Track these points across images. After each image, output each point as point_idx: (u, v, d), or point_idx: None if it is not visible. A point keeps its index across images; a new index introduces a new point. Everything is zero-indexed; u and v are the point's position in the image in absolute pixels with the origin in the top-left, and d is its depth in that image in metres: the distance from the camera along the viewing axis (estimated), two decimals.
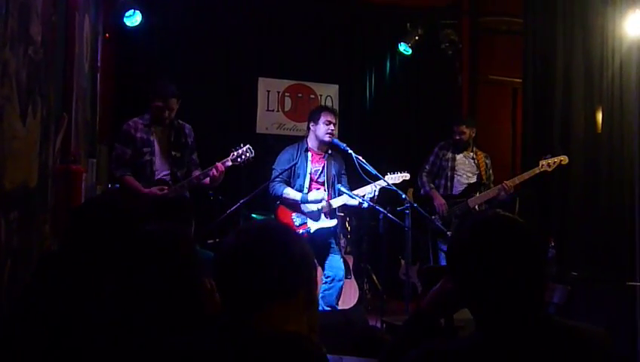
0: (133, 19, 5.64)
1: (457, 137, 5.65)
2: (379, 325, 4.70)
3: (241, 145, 4.47)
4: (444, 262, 5.18)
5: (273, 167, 4.93)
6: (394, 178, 4.95)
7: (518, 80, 6.80)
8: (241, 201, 4.56)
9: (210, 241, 5.24)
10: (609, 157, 5.31)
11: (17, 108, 2.61)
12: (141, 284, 1.73)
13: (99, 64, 5.12)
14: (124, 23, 5.68)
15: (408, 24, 7.05)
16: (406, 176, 5.02)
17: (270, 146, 5.68)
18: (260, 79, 6.96)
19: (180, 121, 4.59)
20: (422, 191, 5.50)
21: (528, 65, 6.13)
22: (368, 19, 7.38)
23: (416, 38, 6.95)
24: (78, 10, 4.01)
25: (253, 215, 5.43)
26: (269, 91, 7.01)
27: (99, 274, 1.92)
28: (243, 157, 4.44)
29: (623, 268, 4.79)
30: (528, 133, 6.12)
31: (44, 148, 3.12)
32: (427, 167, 5.65)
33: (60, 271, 1.96)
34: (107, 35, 5.54)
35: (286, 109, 7.07)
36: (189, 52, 6.53)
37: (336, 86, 7.24)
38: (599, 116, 5.45)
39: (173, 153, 4.48)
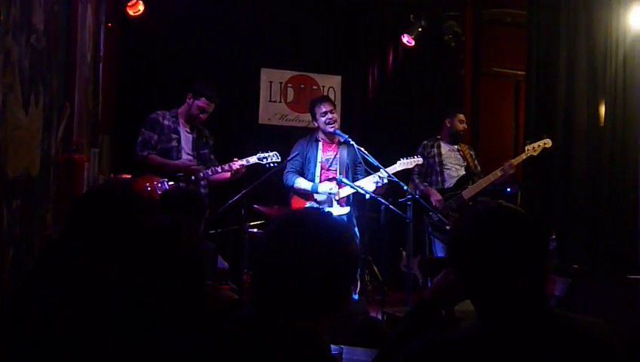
0: (136, 8, 5.64)
1: (462, 126, 5.60)
2: (380, 316, 4.70)
3: (269, 152, 4.73)
4: (440, 254, 5.21)
5: (287, 159, 4.94)
6: (406, 163, 4.95)
7: (521, 72, 6.77)
8: (243, 192, 4.56)
9: (211, 231, 5.24)
10: (611, 151, 5.30)
11: (20, 97, 2.61)
12: (143, 274, 1.73)
13: (101, 53, 5.11)
14: (127, 12, 5.69)
15: (411, 15, 7.03)
16: (419, 160, 5.03)
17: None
18: (263, 70, 6.94)
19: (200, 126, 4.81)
20: (417, 192, 5.43)
21: (532, 58, 6.11)
22: (371, 10, 7.35)
23: (419, 29, 6.94)
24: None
25: (255, 206, 5.44)
26: (271, 82, 7.00)
27: (101, 263, 1.92)
28: (269, 159, 4.70)
29: (625, 261, 4.79)
30: (531, 126, 6.10)
31: (46, 137, 3.12)
32: (416, 168, 5.54)
33: (62, 260, 1.96)
34: (110, 24, 5.52)
35: (288, 100, 7.05)
36: (192, 42, 6.51)
37: (339, 77, 7.22)
38: (602, 109, 5.43)
39: (196, 149, 4.69)
